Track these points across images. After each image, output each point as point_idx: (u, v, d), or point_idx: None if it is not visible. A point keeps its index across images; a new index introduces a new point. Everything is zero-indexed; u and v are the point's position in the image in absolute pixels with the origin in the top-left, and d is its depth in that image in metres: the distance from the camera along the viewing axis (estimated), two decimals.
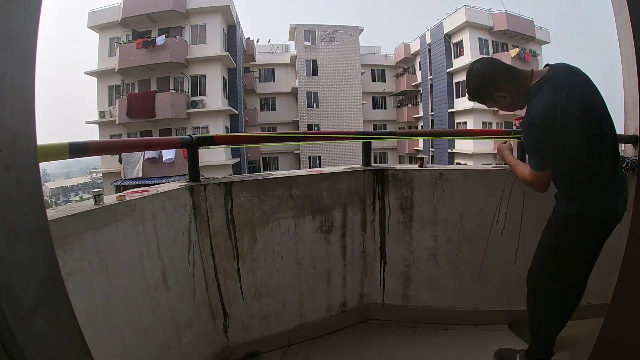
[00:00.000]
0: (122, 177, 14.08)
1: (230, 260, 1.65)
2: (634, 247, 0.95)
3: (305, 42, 23.26)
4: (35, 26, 0.55)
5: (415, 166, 1.95)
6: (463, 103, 19.60)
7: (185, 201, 1.52)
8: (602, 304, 1.73)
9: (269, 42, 25.43)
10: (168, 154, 13.73)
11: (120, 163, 14.10)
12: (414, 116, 25.45)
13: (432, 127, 22.56)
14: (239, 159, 17.38)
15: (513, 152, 1.56)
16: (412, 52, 25.40)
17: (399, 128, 25.51)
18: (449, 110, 20.77)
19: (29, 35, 0.54)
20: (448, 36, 20.71)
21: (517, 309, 1.74)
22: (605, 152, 1.26)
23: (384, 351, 1.77)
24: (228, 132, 14.49)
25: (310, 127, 22.85)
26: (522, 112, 1.43)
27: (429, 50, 22.66)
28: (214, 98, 16.00)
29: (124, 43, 15.47)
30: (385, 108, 27.13)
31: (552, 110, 1.19)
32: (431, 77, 22.51)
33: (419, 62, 24.67)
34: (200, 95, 16.11)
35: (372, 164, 1.98)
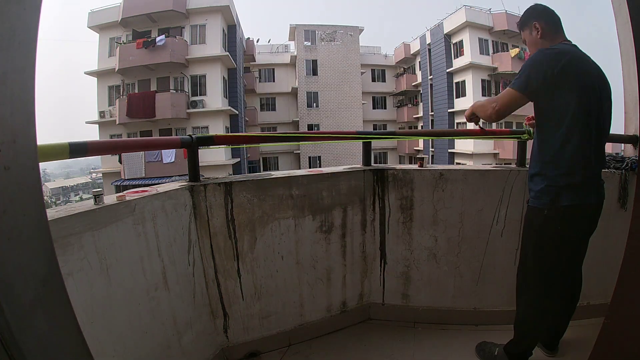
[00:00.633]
0: (122, 177, 14.08)
1: (230, 260, 1.65)
2: (634, 247, 0.95)
3: (305, 42, 23.26)
4: (35, 26, 0.54)
5: (415, 166, 1.95)
6: (463, 103, 19.56)
7: (185, 201, 1.52)
8: (602, 304, 1.73)
9: (269, 42, 25.47)
10: (168, 157, 13.71)
11: (120, 163, 14.10)
12: (414, 116, 25.43)
13: (432, 127, 22.52)
14: (239, 159, 17.37)
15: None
16: (412, 52, 25.37)
17: (399, 128, 25.47)
18: (449, 110, 20.72)
19: (29, 35, 0.54)
20: (448, 36, 20.68)
21: None
22: (590, 135, 1.27)
23: (384, 351, 1.77)
24: (228, 132, 14.47)
25: (310, 127, 22.85)
26: (532, 112, 1.44)
27: (429, 50, 22.62)
28: (214, 98, 15.99)
29: (124, 43, 15.46)
30: (385, 108, 27.12)
31: (565, 57, 1.25)
32: (431, 77, 22.48)
33: (419, 62, 24.63)
34: (200, 95, 16.09)
35: (372, 164, 1.98)
